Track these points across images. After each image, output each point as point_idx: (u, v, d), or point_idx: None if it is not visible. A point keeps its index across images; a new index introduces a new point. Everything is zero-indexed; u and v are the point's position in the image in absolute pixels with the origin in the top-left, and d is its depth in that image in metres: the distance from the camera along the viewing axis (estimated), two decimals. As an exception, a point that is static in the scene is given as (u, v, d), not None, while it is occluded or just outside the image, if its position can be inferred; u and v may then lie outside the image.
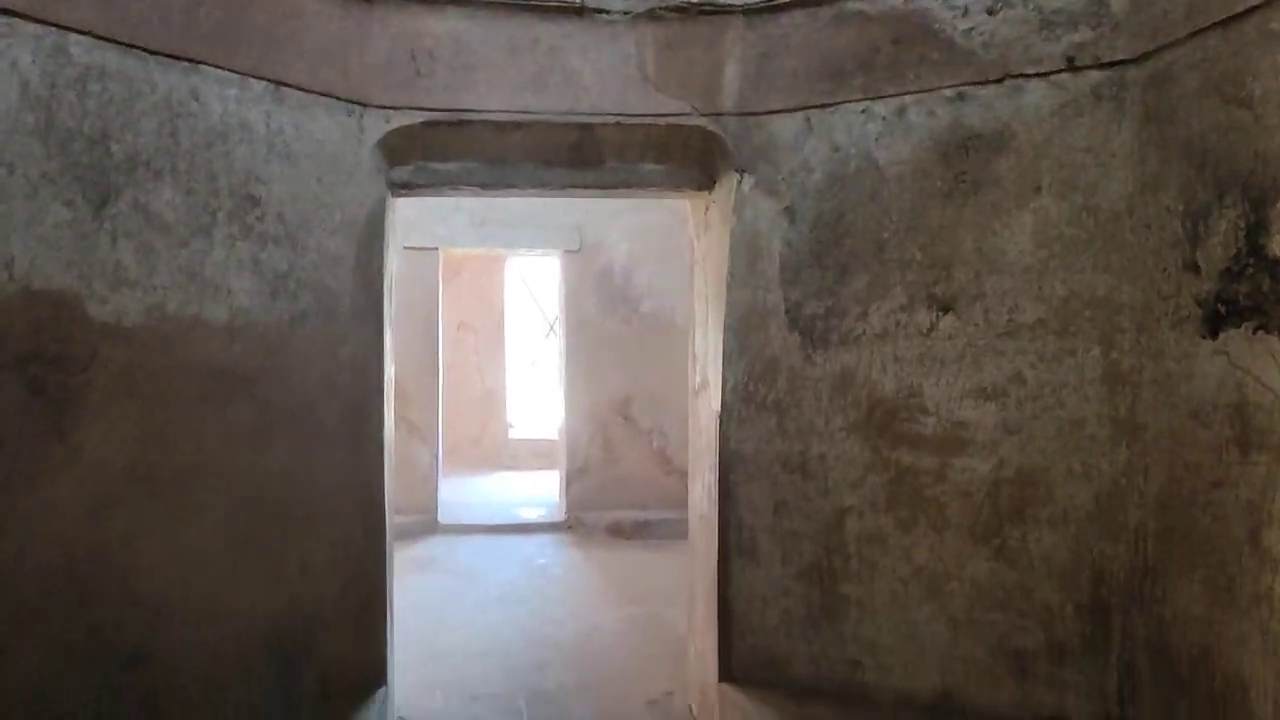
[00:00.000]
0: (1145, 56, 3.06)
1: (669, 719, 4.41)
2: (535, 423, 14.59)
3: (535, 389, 14.90)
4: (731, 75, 3.81)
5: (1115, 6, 3.14)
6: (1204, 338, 2.76)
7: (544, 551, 8.24)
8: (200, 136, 3.20)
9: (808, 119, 3.73)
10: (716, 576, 3.99)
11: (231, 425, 3.36)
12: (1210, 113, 2.75)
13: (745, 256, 3.92)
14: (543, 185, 4.10)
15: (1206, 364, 2.76)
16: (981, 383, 3.42)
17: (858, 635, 3.67)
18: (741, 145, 3.83)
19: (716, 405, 4.04)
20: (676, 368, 9.45)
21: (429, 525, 8.88)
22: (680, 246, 9.27)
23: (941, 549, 3.51)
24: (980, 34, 3.36)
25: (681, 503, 9.47)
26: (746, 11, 3.73)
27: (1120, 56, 3.15)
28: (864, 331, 3.67)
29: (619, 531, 8.74)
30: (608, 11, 3.73)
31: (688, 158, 4.10)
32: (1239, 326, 2.62)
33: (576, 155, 4.05)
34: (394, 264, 4.32)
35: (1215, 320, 2.71)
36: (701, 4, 3.71)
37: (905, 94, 3.53)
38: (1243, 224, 2.61)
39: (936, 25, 3.44)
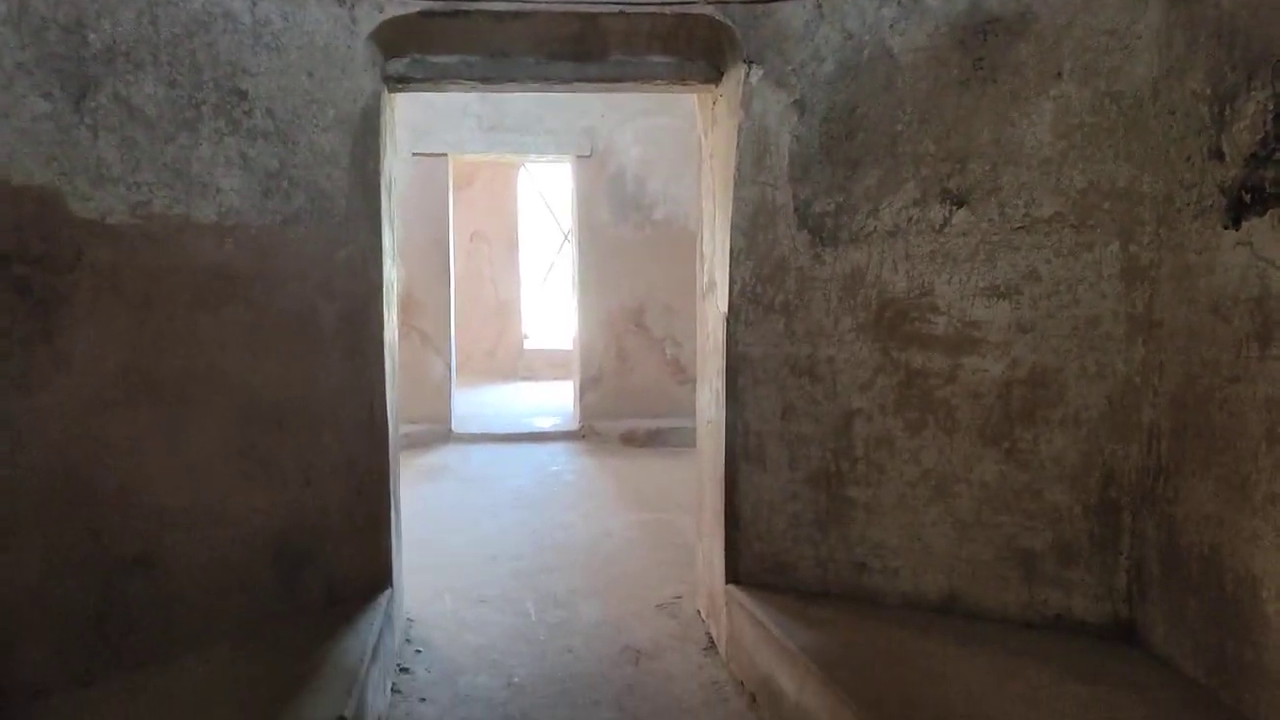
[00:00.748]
0: (1176, -70, 2.88)
1: (676, 622, 4.41)
2: (550, 333, 14.56)
3: (550, 299, 14.82)
4: (739, -40, 3.63)
5: (1146, -124, 2.95)
6: (1226, 228, 2.64)
7: (557, 459, 8.26)
8: (181, 26, 3.08)
9: (819, 5, 3.56)
10: (724, 482, 3.95)
11: (227, 329, 3.31)
12: (1243, -13, 2.58)
13: (753, 152, 3.79)
14: (545, 79, 3.96)
15: (1228, 256, 2.64)
16: (995, 280, 3.31)
17: (864, 538, 3.63)
18: (750, 34, 3.67)
19: (724, 307, 3.95)
20: (690, 275, 9.30)
21: (442, 434, 8.91)
22: (694, 152, 9.06)
23: (950, 451, 3.45)
24: (1001, -91, 3.17)
25: (694, 411, 9.43)
26: (754, -110, 3.53)
27: (1149, -69, 2.97)
28: (875, 229, 3.55)
29: (632, 439, 8.75)
30: (608, -108, 3.55)
31: (694, 49, 3.95)
32: (1263, 215, 2.49)
33: (580, 47, 3.90)
34: (393, 164, 4.20)
35: (1239, 209, 2.59)
36: (707, -118, 3.52)
37: (921, -24, 3.35)
38: (1272, 106, 2.47)
39: (955, -99, 3.25)
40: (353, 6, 3.51)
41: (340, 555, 3.63)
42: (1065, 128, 3.17)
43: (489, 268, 13.76)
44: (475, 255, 13.75)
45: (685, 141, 9.07)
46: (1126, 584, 3.16)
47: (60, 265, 2.85)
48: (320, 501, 3.57)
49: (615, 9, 3.67)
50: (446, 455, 8.38)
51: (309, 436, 3.54)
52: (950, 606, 3.48)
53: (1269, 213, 2.47)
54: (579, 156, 9.13)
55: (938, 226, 3.42)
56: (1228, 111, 2.64)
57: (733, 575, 3.92)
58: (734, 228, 3.86)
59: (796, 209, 3.72)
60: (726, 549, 3.93)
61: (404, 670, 3.82)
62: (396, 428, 4.19)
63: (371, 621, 3.40)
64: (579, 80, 4.00)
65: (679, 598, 4.71)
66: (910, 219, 3.47)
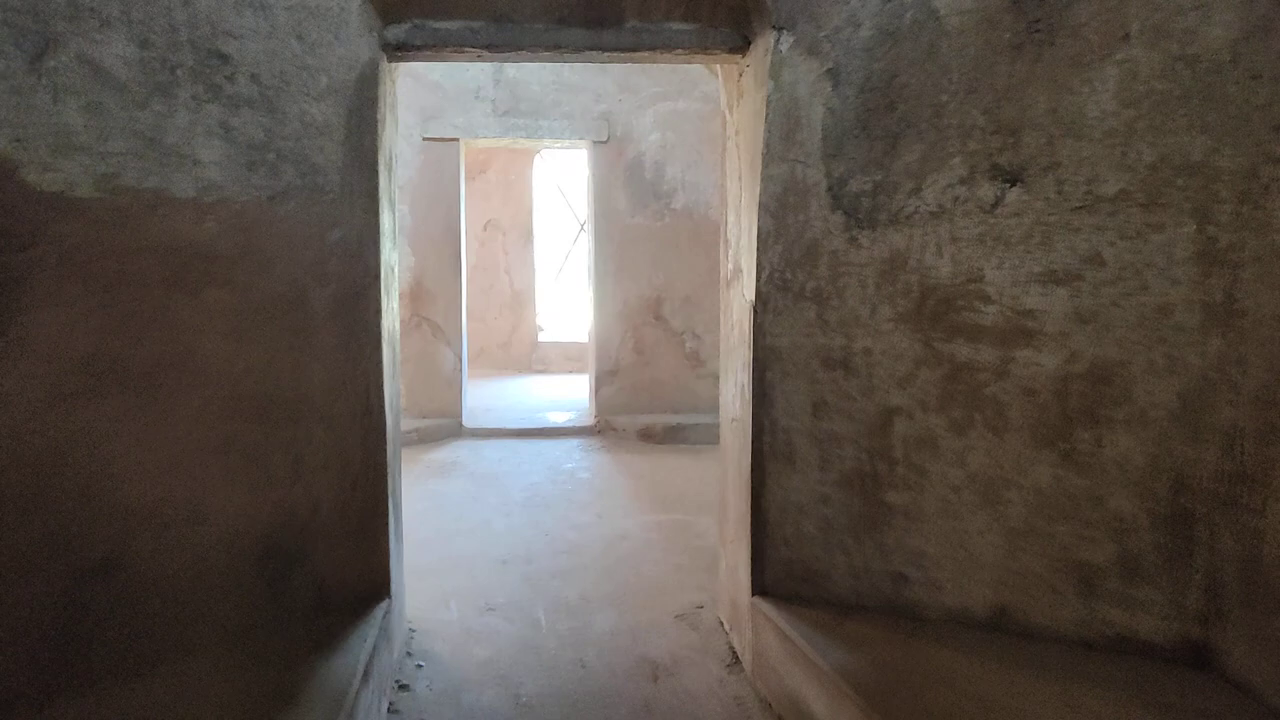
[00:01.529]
0: None
1: (697, 633, 4.11)
2: (566, 325, 14.27)
3: (566, 291, 14.53)
4: (768, -86, 3.32)
5: None
6: (1332, 202, 2.32)
7: (571, 456, 7.96)
8: (154, -21, 2.79)
9: (856, -37, 3.25)
10: (750, 483, 3.65)
11: (207, 313, 3.02)
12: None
13: (783, 127, 3.48)
14: (556, 47, 3.65)
15: (1333, 234, 2.32)
16: (1052, 265, 2.99)
17: (904, 547, 3.32)
18: (779, -3, 3.36)
19: (750, 295, 3.65)
20: (711, 266, 9.12)
21: (453, 429, 8.63)
22: (715, 137, 8.79)
23: (1000, 453, 3.13)
24: None
25: (715, 406, 9.18)
26: None
27: None
28: (917, 209, 3.24)
29: (650, 436, 8.44)
30: None
31: (719, 15, 3.64)
32: (1380, 186, 2.17)
33: (593, 13, 3.60)
34: (394, 141, 3.91)
35: (1349, 180, 2.26)
36: None
37: (971, -71, 3.04)
38: (1391, 60, 2.14)
39: None
40: (347, -36, 3.22)
41: (333, 558, 3.35)
42: (1132, 95, 2.85)
43: (503, 258, 13.47)
44: (489, 245, 13.45)
45: (705, 127, 8.77)
46: (1200, 603, 2.84)
47: (15, 242, 2.57)
48: (310, 499, 3.29)
49: (633, -30, 3.38)
50: (457, 450, 8.10)
51: (298, 429, 3.26)
52: (999, 623, 3.16)
53: (1386, 183, 2.15)
54: (595, 142, 8.82)
55: (988, 206, 3.10)
56: (1331, 69, 2.32)
57: (759, 585, 3.62)
58: (762, 209, 3.56)
59: (830, 188, 3.41)
60: (752, 556, 3.63)
61: (403, 688, 3.53)
62: (397, 422, 3.91)
63: (365, 637, 3.11)
64: (592, 49, 3.69)
65: (700, 607, 4.41)
66: (956, 198, 3.16)
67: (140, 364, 2.87)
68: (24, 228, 2.58)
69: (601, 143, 8.81)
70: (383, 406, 3.51)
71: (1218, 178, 2.74)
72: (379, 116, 3.47)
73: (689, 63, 3.92)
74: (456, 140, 8.64)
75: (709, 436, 8.30)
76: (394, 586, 3.61)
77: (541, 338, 13.54)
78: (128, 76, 2.78)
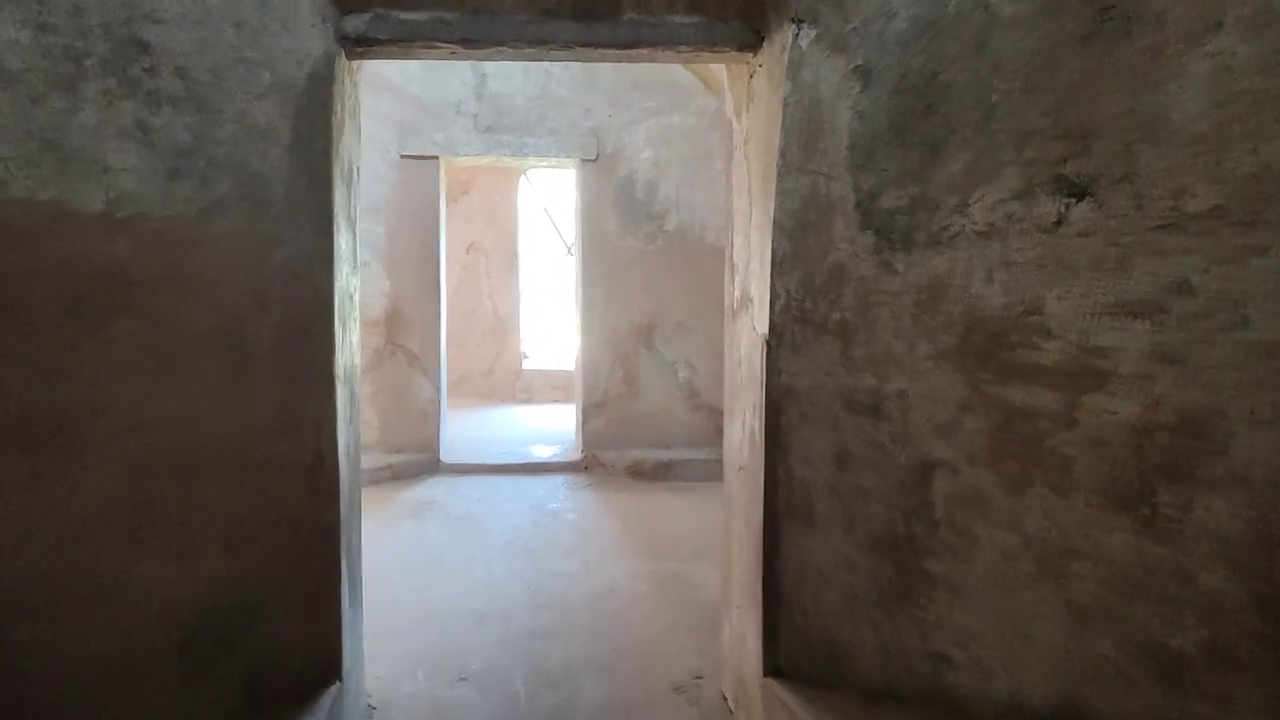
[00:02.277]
0: None
1: (698, 710, 3.61)
2: (551, 353, 13.79)
3: (552, 317, 14.06)
4: (787, -113, 2.87)
5: None
6: None
7: (556, 494, 7.45)
8: (51, -54, 2.31)
9: (889, -56, 2.79)
10: (761, 543, 3.17)
11: (117, 350, 2.53)
12: None
13: (803, 133, 3.02)
14: (542, 43, 3.18)
15: None
16: (1128, 294, 2.52)
17: (945, 624, 2.83)
18: (799, -16, 2.91)
19: (763, 328, 3.17)
20: (706, 291, 8.63)
21: (429, 465, 8.11)
22: (711, 154, 8.36)
23: (1064, 517, 2.64)
24: None
25: (710, 441, 8.68)
26: None
27: None
28: (962, 228, 2.77)
29: (640, 472, 7.94)
30: None
31: (728, 6, 3.18)
32: None
33: (584, 3, 3.13)
34: (355, 149, 3.43)
35: None
36: None
37: (1028, -100, 2.59)
38: None
39: None
40: (296, -59, 2.75)
41: (273, 638, 2.84)
42: (1226, 94, 2.38)
43: (486, 282, 12.98)
44: (472, 269, 12.96)
45: (701, 143, 8.33)
46: (1316, 704, 2.36)
47: None
48: (245, 571, 2.79)
49: (629, -47, 2.92)
50: (434, 488, 7.58)
51: (231, 486, 2.76)
52: (1062, 716, 2.67)
53: None
54: (584, 160, 8.35)
55: (1049, 225, 2.63)
56: None
57: (772, 661, 3.13)
58: (777, 228, 3.10)
59: (858, 204, 2.95)
60: (764, 628, 3.15)
61: (356, 786, 3.01)
62: (355, 472, 3.41)
63: (306, 737, 2.60)
64: (584, 44, 3.22)
65: (700, 677, 3.90)
66: (1010, 215, 2.69)
67: (33, 412, 2.37)
68: (-126, 245, 2.08)
69: (590, 161, 8.34)
70: (336, 456, 3.01)
71: (1332, 192, 2.27)
72: (334, 120, 2.99)
73: (693, 61, 3.46)
74: (436, 158, 8.16)
75: (703, 473, 7.81)
76: (347, 664, 3.10)
77: (526, 366, 13.03)
78: (20, 66, 2.30)
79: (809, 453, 3.07)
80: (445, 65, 8.07)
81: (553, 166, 9.84)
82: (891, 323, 2.92)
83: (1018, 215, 2.67)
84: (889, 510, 2.93)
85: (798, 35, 2.96)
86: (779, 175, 3.09)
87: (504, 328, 12.98)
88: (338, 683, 2.94)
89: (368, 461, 7.71)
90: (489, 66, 8.14)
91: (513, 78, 8.22)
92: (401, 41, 3.14)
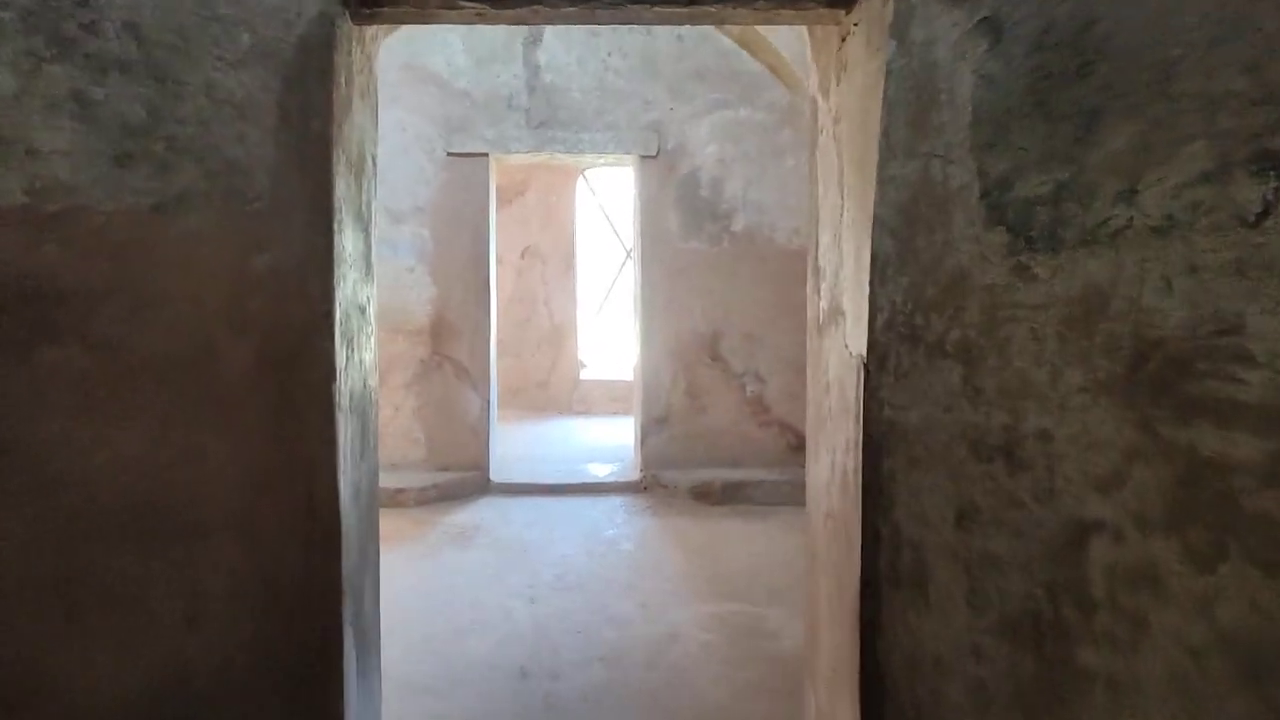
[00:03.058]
0: None
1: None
2: (610, 362, 13.22)
3: (611, 324, 13.49)
4: None
5: None
6: None
7: (613, 518, 6.86)
8: None
9: None
10: (857, 615, 2.56)
11: (48, 382, 2.01)
12: None
13: (912, 107, 2.41)
14: (584, 1, 2.60)
15: None
16: (1370, 309, 1.86)
17: (1105, 734, 2.19)
18: (910, -83, 2.30)
19: (859, 347, 2.57)
20: (776, 298, 7.99)
21: (478, 484, 7.58)
22: (781, 150, 7.73)
23: (1273, 602, 1.99)
24: None
25: (781, 460, 8.03)
26: None
27: None
28: (1129, 222, 2.12)
29: (705, 495, 7.32)
30: None
31: (815, -49, 2.58)
32: None
33: (637, -49, 2.55)
34: (367, 133, 2.89)
35: None
36: None
37: None
38: None
39: None
40: None
41: (254, 736, 2.29)
42: None
43: (542, 288, 12.45)
44: (527, 274, 12.45)
45: (771, 139, 7.72)
46: None
47: None
48: (216, 650, 2.24)
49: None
50: (481, 511, 7.04)
51: (196, 548, 2.22)
52: None
53: None
54: (644, 156, 7.76)
55: (1251, 216, 1.97)
56: None
57: (872, 765, 2.51)
58: (878, 225, 2.49)
59: (985, 193, 2.32)
60: (862, 722, 2.52)
61: None
62: (369, 519, 2.86)
63: None
64: (637, 3, 2.63)
65: (779, 762, 3.29)
66: (1197, 205, 2.03)
67: (-72, 463, 1.84)
68: None
69: (650, 157, 7.76)
70: (336, 505, 2.45)
71: None
72: (336, 96, 2.44)
73: (770, 21, 2.86)
74: (485, 156, 7.64)
75: (775, 496, 7.18)
76: (352, 760, 2.54)
77: (583, 375, 12.47)
78: (-96, 14, 1.77)
79: (921, 507, 2.45)
80: (495, 56, 7.57)
81: (610, 164, 9.28)
82: (1030, 344, 2.28)
83: (1207, 205, 2.02)
84: (1030, 585, 2.29)
85: (907, -18, 2.35)
86: (881, 160, 2.48)
87: (560, 336, 12.45)
88: (334, 789, 2.38)
89: (412, 481, 7.22)
90: (542, 57, 7.62)
91: (567, 68, 7.68)
92: (419, 3, 2.58)
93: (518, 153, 7.73)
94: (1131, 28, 2.11)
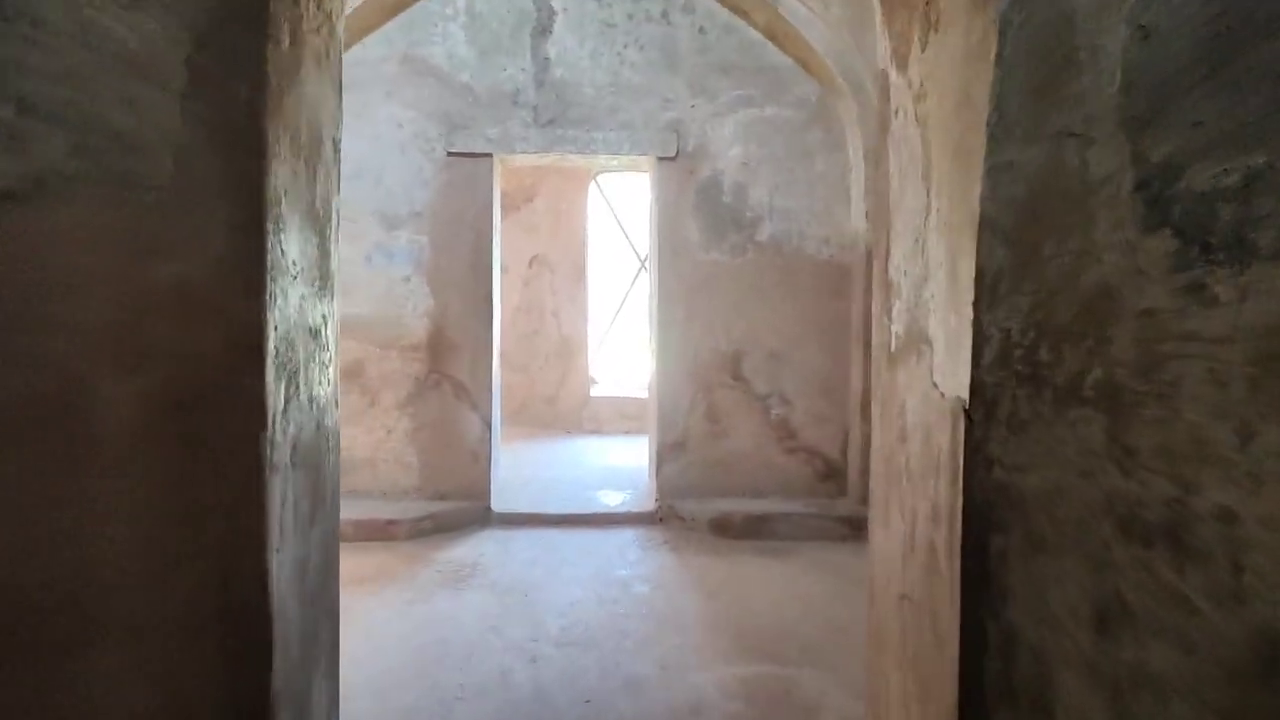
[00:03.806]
0: None
1: None
2: (623, 378, 12.62)
3: (623, 338, 12.89)
4: None
5: None
6: None
7: (626, 555, 6.23)
8: None
9: None
10: (952, 740, 1.94)
11: None
12: None
13: (1036, 71, 1.82)
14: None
15: None
16: None
17: None
18: None
19: (955, 387, 1.96)
20: (805, 313, 7.34)
21: (477, 515, 6.96)
22: (811, 152, 7.11)
23: None
24: None
25: (809, 490, 7.36)
26: None
27: None
28: (1362, 223, 1.51)
29: (725, 528, 6.70)
30: None
31: None
32: None
33: None
34: (326, 106, 2.30)
35: None
36: None
37: None
38: None
39: None
40: None
41: None
42: None
43: (551, 299, 11.85)
44: (535, 284, 11.85)
45: (800, 140, 7.13)
46: None
47: None
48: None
49: None
50: (481, 545, 6.42)
51: (58, 663, 1.61)
52: None
53: None
54: (661, 158, 7.16)
55: None
56: None
57: None
58: (986, 228, 1.89)
59: (1141, 184, 1.72)
60: None
61: None
62: (325, 603, 2.26)
63: None
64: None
65: None
66: None
67: None
68: None
69: (668, 159, 7.15)
70: (265, 595, 1.85)
71: None
72: (273, 55, 1.85)
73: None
74: (489, 156, 7.04)
75: (802, 531, 6.56)
76: None
77: (594, 392, 11.85)
78: None
79: (1046, 602, 1.84)
80: (500, 47, 6.98)
81: (625, 167, 8.67)
82: (1209, 390, 1.66)
83: None
84: (1203, 716, 1.68)
85: (1031, -98, 1.75)
86: (990, 143, 1.89)
87: (570, 350, 11.84)
88: None
89: (405, 512, 6.61)
90: (551, 49, 7.02)
91: (579, 62, 7.09)
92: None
93: (524, 153, 7.13)
94: (1365, -48, 1.49)
